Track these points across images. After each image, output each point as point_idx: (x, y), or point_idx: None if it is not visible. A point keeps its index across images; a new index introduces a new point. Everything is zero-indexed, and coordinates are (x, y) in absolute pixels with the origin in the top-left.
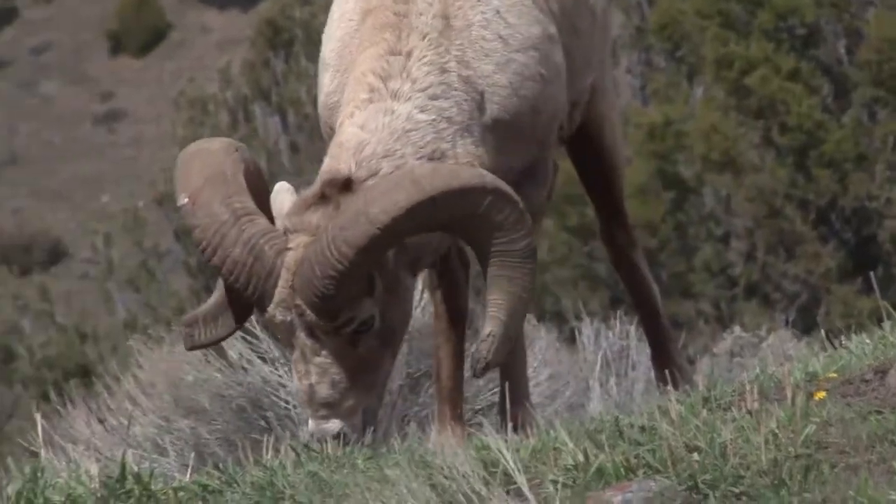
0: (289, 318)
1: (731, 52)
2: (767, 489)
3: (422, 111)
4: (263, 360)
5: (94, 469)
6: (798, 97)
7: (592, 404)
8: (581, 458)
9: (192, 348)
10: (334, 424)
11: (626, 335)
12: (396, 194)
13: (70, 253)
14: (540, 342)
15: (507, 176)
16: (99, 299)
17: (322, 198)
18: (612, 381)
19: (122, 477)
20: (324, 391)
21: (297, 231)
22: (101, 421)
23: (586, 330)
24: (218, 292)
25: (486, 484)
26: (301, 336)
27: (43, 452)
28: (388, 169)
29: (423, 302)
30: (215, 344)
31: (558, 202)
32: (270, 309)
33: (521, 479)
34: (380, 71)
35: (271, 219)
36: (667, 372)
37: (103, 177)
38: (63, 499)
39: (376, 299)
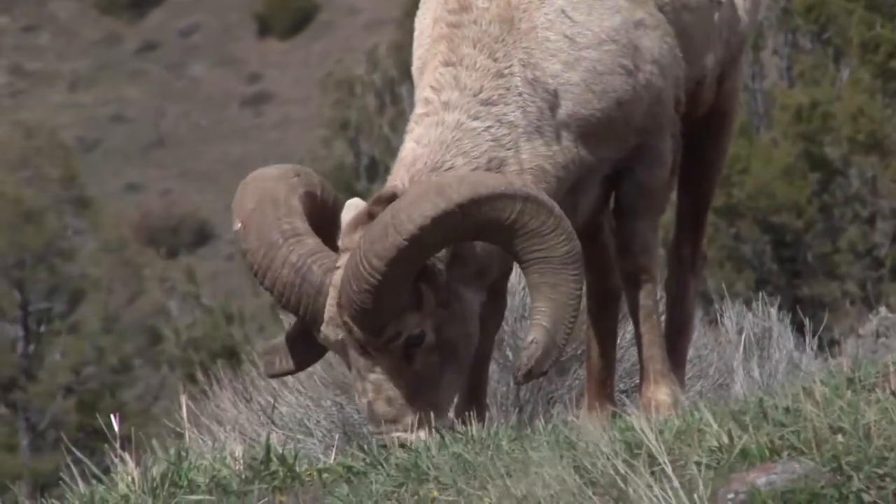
0: (340, 337)
1: (878, 35)
2: None
3: (474, 118)
4: None
5: (238, 450)
6: None
7: (736, 385)
8: (725, 439)
9: (272, 376)
10: (397, 438)
11: (769, 316)
12: (422, 205)
13: (217, 234)
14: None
15: (601, 166)
16: (245, 280)
17: (370, 216)
18: (755, 362)
19: (267, 458)
20: (381, 408)
21: (346, 250)
22: (247, 400)
23: (730, 311)
24: (293, 325)
25: (629, 465)
26: (353, 354)
27: (189, 433)
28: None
29: None
30: (296, 372)
31: None
32: (323, 328)
33: (664, 460)
34: (434, 83)
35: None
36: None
37: (250, 158)
38: (207, 480)
39: (426, 314)
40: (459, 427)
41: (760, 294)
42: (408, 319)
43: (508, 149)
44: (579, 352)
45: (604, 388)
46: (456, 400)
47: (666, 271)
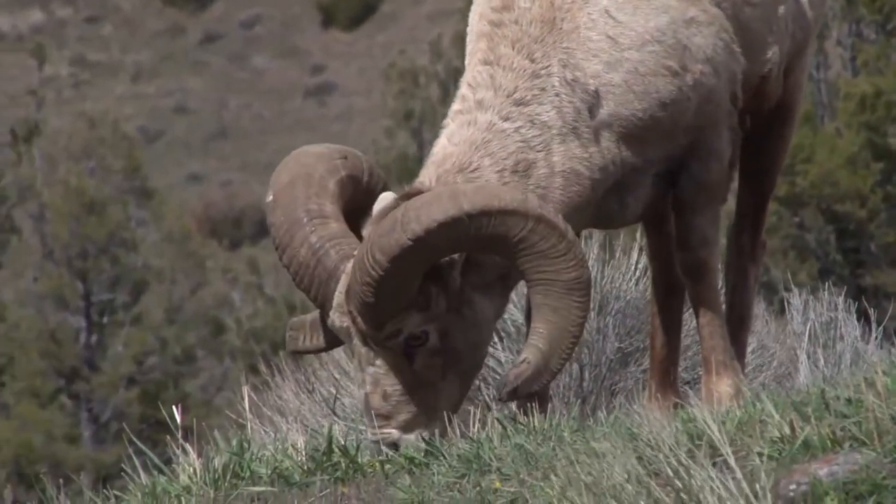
0: (345, 324)
1: None
2: None
3: (505, 119)
4: None
5: (300, 442)
6: None
7: (800, 376)
8: (787, 430)
9: (294, 352)
10: (388, 436)
11: (835, 306)
12: (433, 208)
13: None
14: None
15: (649, 166)
16: None
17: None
18: (820, 352)
19: (329, 450)
20: (375, 401)
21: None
22: (309, 392)
23: (795, 301)
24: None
25: (692, 456)
26: (356, 343)
27: (251, 424)
28: (461, 182)
29: (635, 276)
30: (317, 353)
31: None
32: (331, 314)
33: (727, 451)
34: (471, 81)
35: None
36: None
37: None
38: (269, 472)
39: (432, 316)
40: (522, 418)
41: (827, 283)
42: (411, 318)
43: (538, 150)
44: (643, 343)
45: (667, 378)
46: (455, 408)
47: (722, 260)
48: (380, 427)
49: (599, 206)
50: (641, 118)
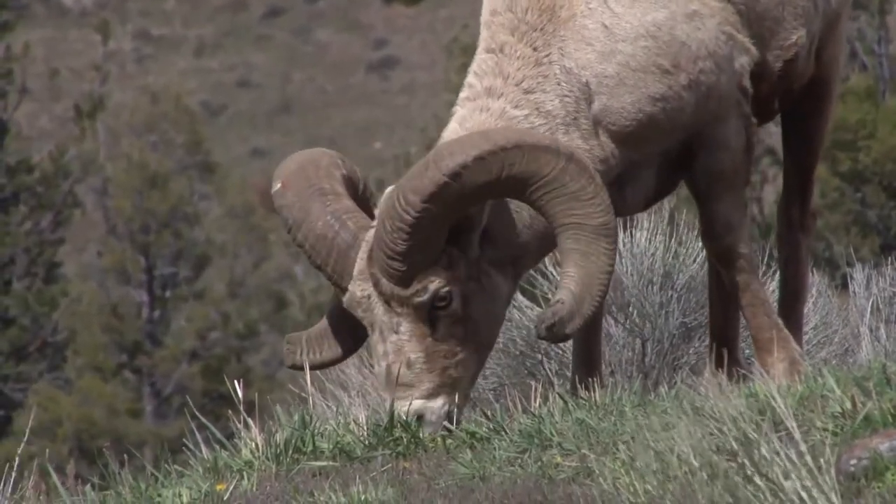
0: (367, 293)
1: None
2: None
3: (515, 106)
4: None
5: (362, 417)
6: None
7: (862, 351)
8: (848, 405)
9: (292, 367)
10: (413, 404)
11: None
12: (466, 145)
13: None
14: (811, 288)
15: (649, 160)
16: None
17: None
18: (882, 327)
19: (391, 425)
20: (398, 371)
21: None
22: (372, 367)
23: (858, 276)
24: (327, 317)
25: (758, 429)
26: (378, 311)
27: (313, 399)
28: None
29: (700, 254)
30: (317, 368)
31: (829, 148)
32: (350, 285)
33: (792, 424)
34: (476, 69)
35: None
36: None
37: (376, 124)
38: (331, 447)
39: (456, 276)
40: (583, 393)
41: (889, 259)
42: (437, 275)
43: None
44: (707, 318)
45: (729, 352)
46: (472, 382)
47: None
48: (402, 397)
49: None
50: (631, 112)
